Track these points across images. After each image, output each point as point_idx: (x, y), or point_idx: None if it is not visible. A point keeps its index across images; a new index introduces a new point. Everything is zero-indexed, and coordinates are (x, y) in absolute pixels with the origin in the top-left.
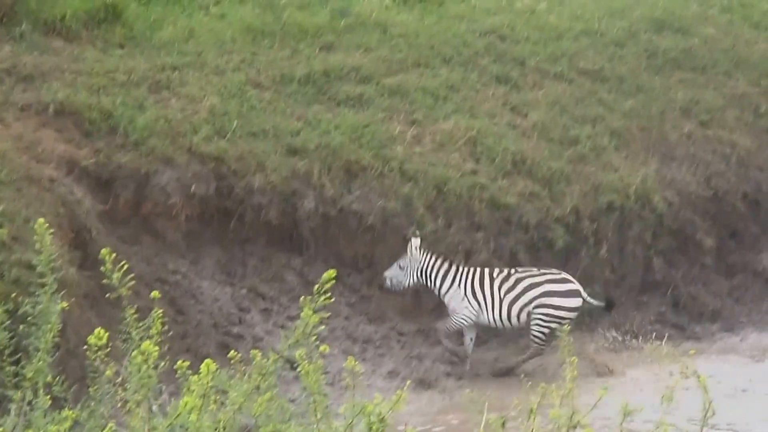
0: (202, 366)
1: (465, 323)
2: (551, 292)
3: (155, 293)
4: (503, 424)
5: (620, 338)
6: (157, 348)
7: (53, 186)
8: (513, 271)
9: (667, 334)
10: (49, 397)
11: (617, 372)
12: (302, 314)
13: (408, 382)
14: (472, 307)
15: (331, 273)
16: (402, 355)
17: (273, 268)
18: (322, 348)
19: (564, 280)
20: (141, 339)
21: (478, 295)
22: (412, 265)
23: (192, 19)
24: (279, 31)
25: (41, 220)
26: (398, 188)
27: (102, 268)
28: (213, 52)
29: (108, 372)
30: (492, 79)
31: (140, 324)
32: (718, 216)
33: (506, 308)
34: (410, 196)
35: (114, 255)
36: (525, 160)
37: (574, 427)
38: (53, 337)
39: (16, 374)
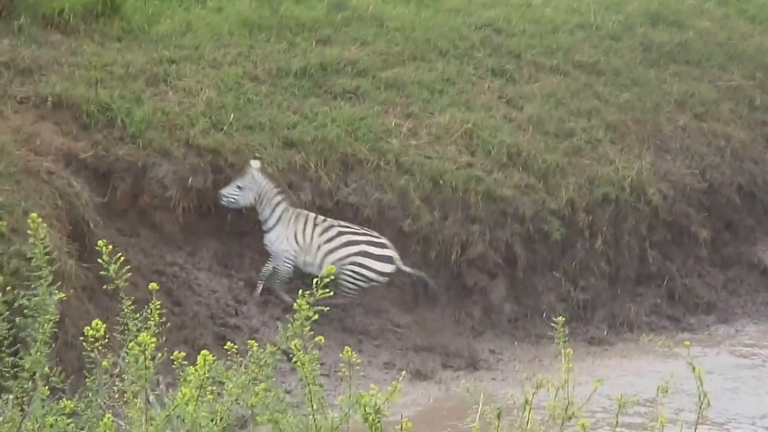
0: (199, 357)
1: (289, 266)
2: (366, 253)
3: (153, 285)
4: (498, 415)
5: (615, 330)
6: (154, 339)
7: (51, 178)
8: (337, 224)
9: (662, 326)
10: (47, 387)
11: (613, 364)
12: (296, 306)
13: (404, 373)
14: (292, 249)
15: (331, 269)
16: (398, 346)
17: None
18: (317, 339)
19: (382, 245)
20: (138, 330)
21: (299, 238)
22: (250, 187)
23: (189, 13)
24: (276, 25)
25: (34, 214)
26: (394, 181)
27: (100, 260)
28: (210, 45)
29: (105, 363)
30: (488, 72)
31: (137, 315)
32: (713, 208)
33: (321, 256)
34: (406, 188)
35: (111, 247)
36: (520, 152)
37: (570, 418)
38: (51, 328)
39: (14, 365)
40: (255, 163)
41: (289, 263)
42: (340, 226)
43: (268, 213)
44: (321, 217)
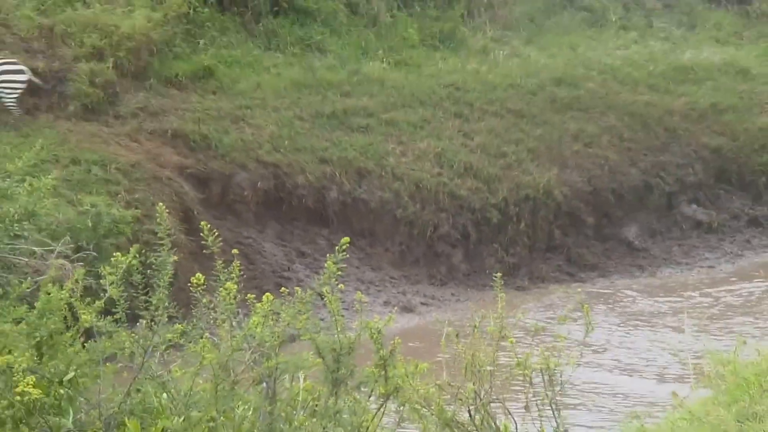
0: (264, 298)
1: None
2: (8, 71)
3: (235, 251)
4: (457, 335)
5: (533, 281)
6: (235, 286)
7: (170, 183)
8: None
9: (563, 279)
10: (166, 316)
11: (531, 303)
12: (327, 264)
13: (395, 308)
14: None
15: (346, 240)
16: (393, 291)
17: (310, 235)
18: (340, 286)
19: (16, 63)
20: (225, 280)
21: None
22: None
23: (259, 76)
24: (315, 84)
25: (161, 204)
26: (391, 185)
27: (201, 235)
28: (272, 97)
29: (204, 301)
30: (451, 115)
31: (225, 270)
32: (596, 203)
33: None
34: (398, 189)
35: (209, 226)
36: (472, 167)
37: (503, 337)
38: (169, 278)
39: (146, 302)
40: None
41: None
42: None
43: None
44: None
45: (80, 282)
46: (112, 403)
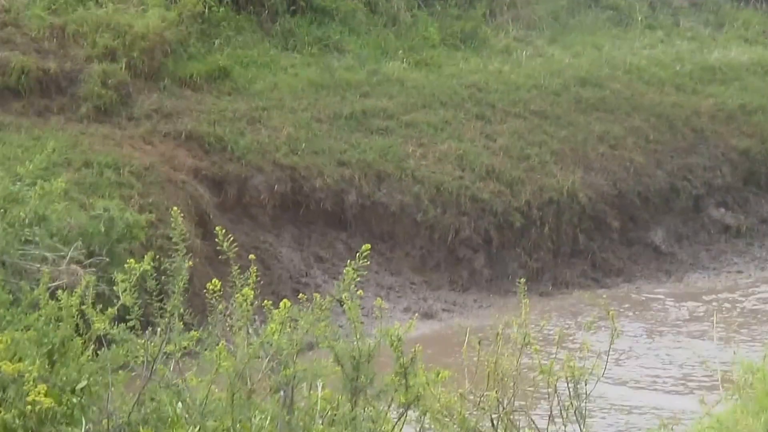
0: (281, 304)
1: None
2: None
3: (252, 256)
4: (479, 342)
5: (557, 287)
6: (252, 292)
7: (184, 185)
8: None
9: (587, 285)
10: (182, 323)
11: (555, 310)
12: (346, 270)
13: (416, 314)
14: None
15: (367, 247)
16: (413, 297)
17: (328, 240)
18: (359, 292)
19: None
20: (242, 286)
21: None
22: None
23: (275, 76)
24: (333, 84)
25: (175, 208)
26: (411, 188)
27: (216, 239)
28: (289, 98)
29: (220, 307)
30: (473, 116)
31: (241, 276)
32: (621, 207)
33: None
34: (419, 193)
35: (224, 231)
36: (495, 169)
37: (527, 344)
38: (184, 284)
39: (160, 308)
40: None
41: None
42: None
43: None
44: None
45: (90, 288)
46: (122, 412)
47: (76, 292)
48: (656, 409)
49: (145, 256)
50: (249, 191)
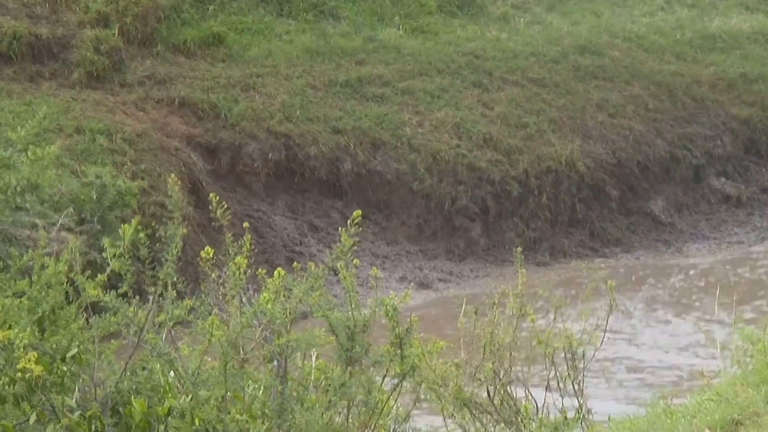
0: (275, 273)
1: None
2: None
3: (245, 224)
4: (476, 312)
5: (554, 256)
6: (245, 260)
7: (177, 153)
8: None
9: (585, 254)
10: (174, 291)
11: (553, 279)
12: (341, 238)
13: (412, 284)
14: None
15: (358, 212)
16: (409, 266)
17: (323, 208)
18: (354, 261)
19: None
20: (235, 254)
21: None
22: None
23: (270, 43)
24: (328, 51)
25: (173, 175)
26: (407, 156)
27: (210, 207)
28: (284, 65)
29: (213, 275)
30: (470, 84)
31: (234, 244)
32: (620, 176)
33: None
34: (415, 161)
35: (217, 198)
36: (492, 138)
37: (523, 315)
38: (177, 252)
39: (153, 276)
40: None
41: None
42: None
43: None
44: None
45: (77, 253)
46: (111, 381)
47: (63, 257)
48: (658, 374)
49: (133, 222)
50: (243, 159)
